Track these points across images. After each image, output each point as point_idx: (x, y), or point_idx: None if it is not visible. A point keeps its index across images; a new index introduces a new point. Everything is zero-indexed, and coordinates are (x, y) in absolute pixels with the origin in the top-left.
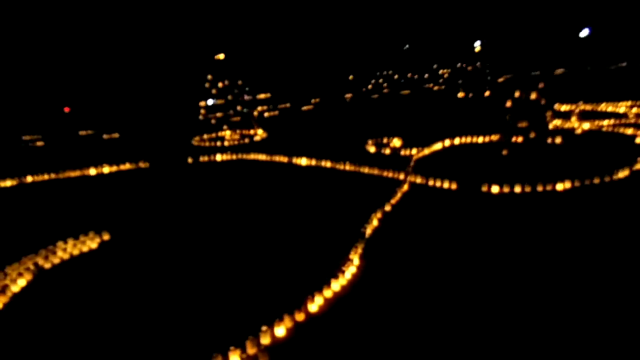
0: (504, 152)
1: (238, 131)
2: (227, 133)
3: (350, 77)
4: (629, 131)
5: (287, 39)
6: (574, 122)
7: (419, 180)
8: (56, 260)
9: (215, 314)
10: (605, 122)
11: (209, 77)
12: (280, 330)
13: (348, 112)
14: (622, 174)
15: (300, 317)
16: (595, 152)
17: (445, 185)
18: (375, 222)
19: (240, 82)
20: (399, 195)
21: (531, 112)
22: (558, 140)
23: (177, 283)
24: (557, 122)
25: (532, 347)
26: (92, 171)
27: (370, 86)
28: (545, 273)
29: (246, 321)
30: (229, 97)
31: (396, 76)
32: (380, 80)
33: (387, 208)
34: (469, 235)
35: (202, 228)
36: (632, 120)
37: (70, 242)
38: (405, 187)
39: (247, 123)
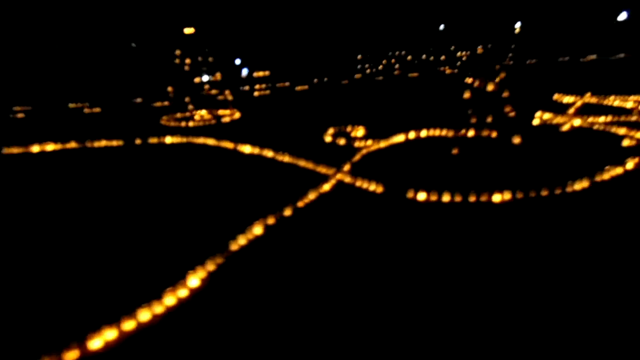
0: (454, 151)
1: (214, 111)
2: (200, 112)
3: (359, 56)
4: (622, 131)
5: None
6: (565, 117)
7: (347, 179)
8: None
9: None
10: (602, 119)
11: (177, 52)
12: None
13: (342, 94)
14: (579, 185)
15: (70, 356)
16: (565, 156)
17: (372, 187)
18: (258, 231)
19: (211, 59)
20: (310, 197)
21: (490, 105)
22: (517, 139)
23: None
24: (546, 116)
25: None
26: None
27: (380, 67)
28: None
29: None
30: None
31: (409, 57)
32: (393, 61)
33: (287, 212)
34: (367, 257)
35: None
36: (635, 118)
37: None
38: (327, 187)
39: (225, 103)
